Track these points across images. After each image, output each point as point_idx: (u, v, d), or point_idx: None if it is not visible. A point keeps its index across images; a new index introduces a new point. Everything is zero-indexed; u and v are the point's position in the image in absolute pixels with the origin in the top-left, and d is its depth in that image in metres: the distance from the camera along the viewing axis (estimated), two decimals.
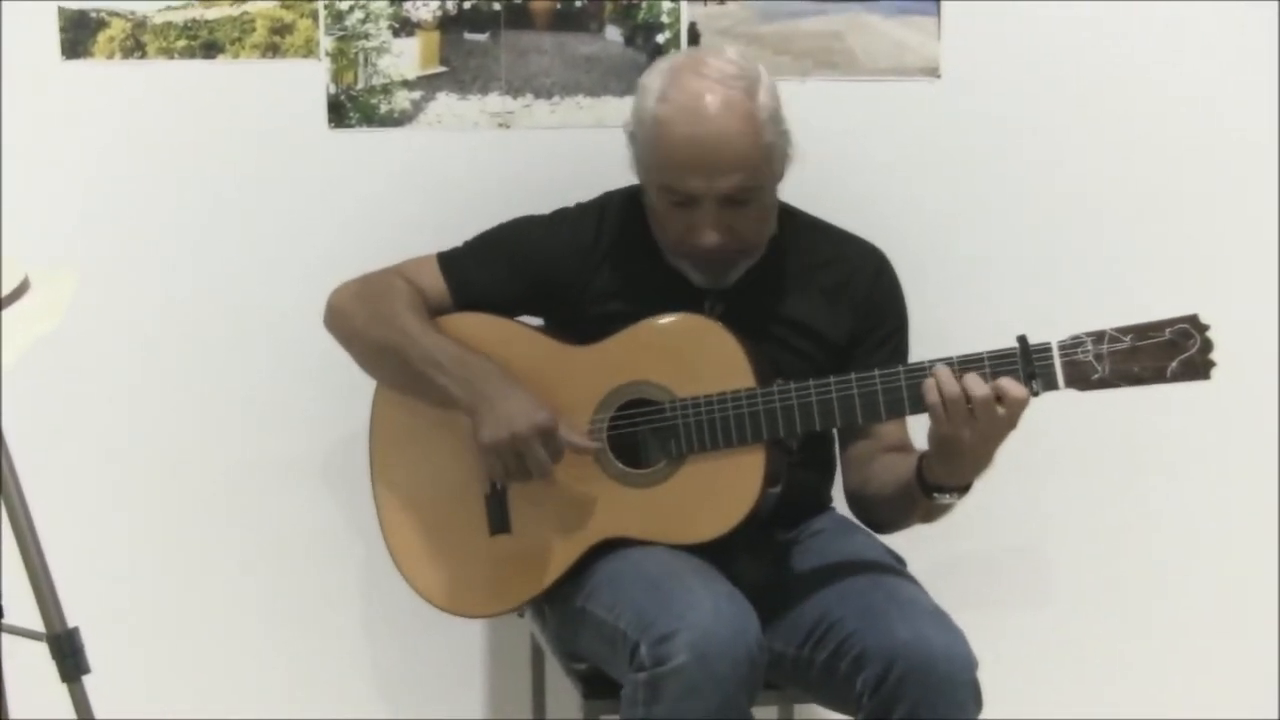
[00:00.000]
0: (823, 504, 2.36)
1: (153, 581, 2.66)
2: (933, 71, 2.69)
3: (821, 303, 2.26)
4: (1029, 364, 1.94)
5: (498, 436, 2.11)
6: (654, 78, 2.15)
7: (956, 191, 2.73)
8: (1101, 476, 2.80)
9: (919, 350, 2.29)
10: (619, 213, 2.29)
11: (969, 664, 1.99)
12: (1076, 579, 2.83)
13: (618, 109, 2.59)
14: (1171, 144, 2.74)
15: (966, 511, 2.10)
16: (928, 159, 2.72)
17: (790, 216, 2.29)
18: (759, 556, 2.20)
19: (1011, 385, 1.94)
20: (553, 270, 2.26)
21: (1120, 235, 2.75)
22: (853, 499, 2.26)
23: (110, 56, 2.53)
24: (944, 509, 2.08)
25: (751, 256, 2.21)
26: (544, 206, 2.34)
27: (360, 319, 2.25)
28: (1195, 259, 2.76)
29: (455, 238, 2.34)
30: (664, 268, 2.23)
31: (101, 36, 2.52)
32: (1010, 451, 2.01)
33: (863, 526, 2.28)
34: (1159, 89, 2.74)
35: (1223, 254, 2.77)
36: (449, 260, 2.30)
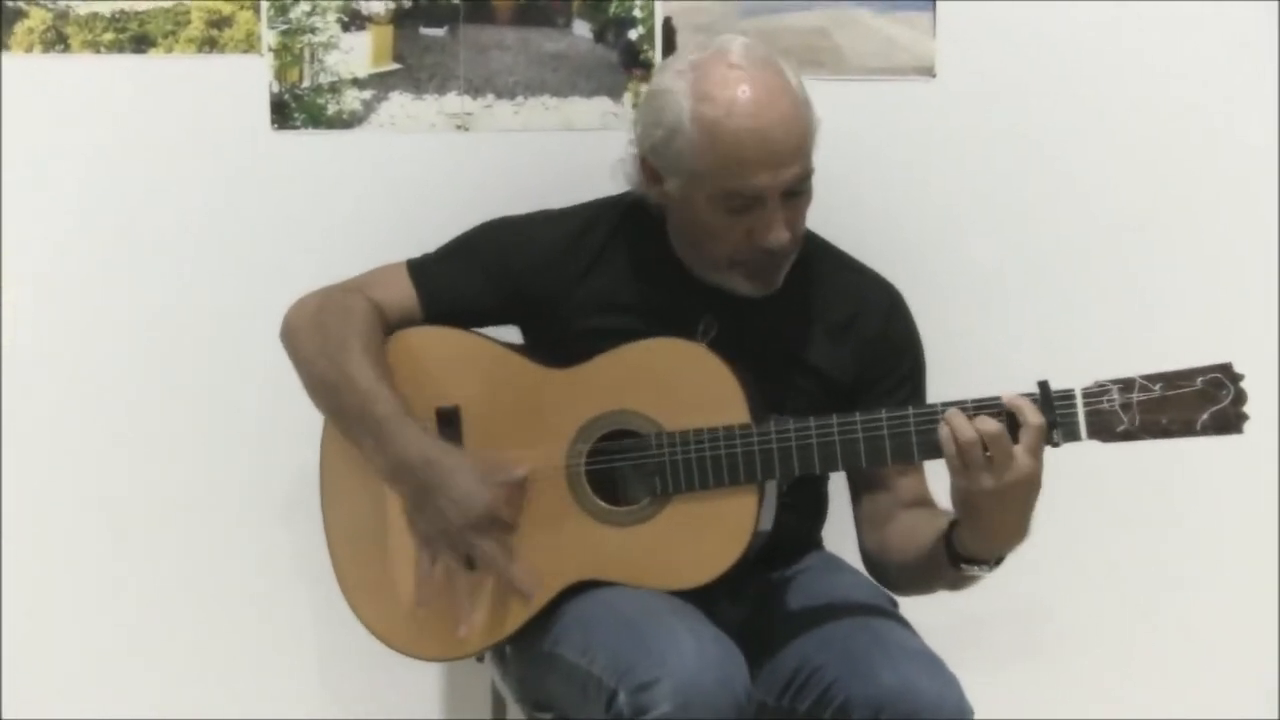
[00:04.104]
0: (812, 544, 2.33)
1: (102, 608, 2.62)
2: (927, 71, 2.66)
3: (825, 339, 2.21)
4: (1050, 412, 1.91)
5: (432, 535, 2.10)
6: (674, 80, 2.09)
7: (954, 200, 2.71)
8: (1099, 514, 2.78)
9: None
10: (614, 221, 2.24)
11: (961, 712, 1.95)
12: (1074, 624, 2.83)
13: (585, 110, 2.60)
14: (1178, 143, 2.73)
15: None
16: (922, 165, 2.69)
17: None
18: (739, 597, 2.15)
19: (1030, 411, 1.90)
20: (531, 276, 2.21)
21: (1130, 241, 2.75)
22: (869, 561, 2.22)
23: (29, 50, 2.48)
24: (971, 580, 2.03)
25: (796, 253, 2.16)
26: (506, 214, 2.30)
27: (310, 346, 2.19)
28: (1205, 260, 2.76)
29: (409, 249, 2.29)
30: (663, 282, 2.20)
31: (19, 28, 2.48)
32: None
33: (850, 565, 2.26)
34: (1166, 86, 2.72)
35: (1231, 254, 2.77)
36: (419, 268, 2.25)
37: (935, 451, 1.93)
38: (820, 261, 2.24)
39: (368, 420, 2.09)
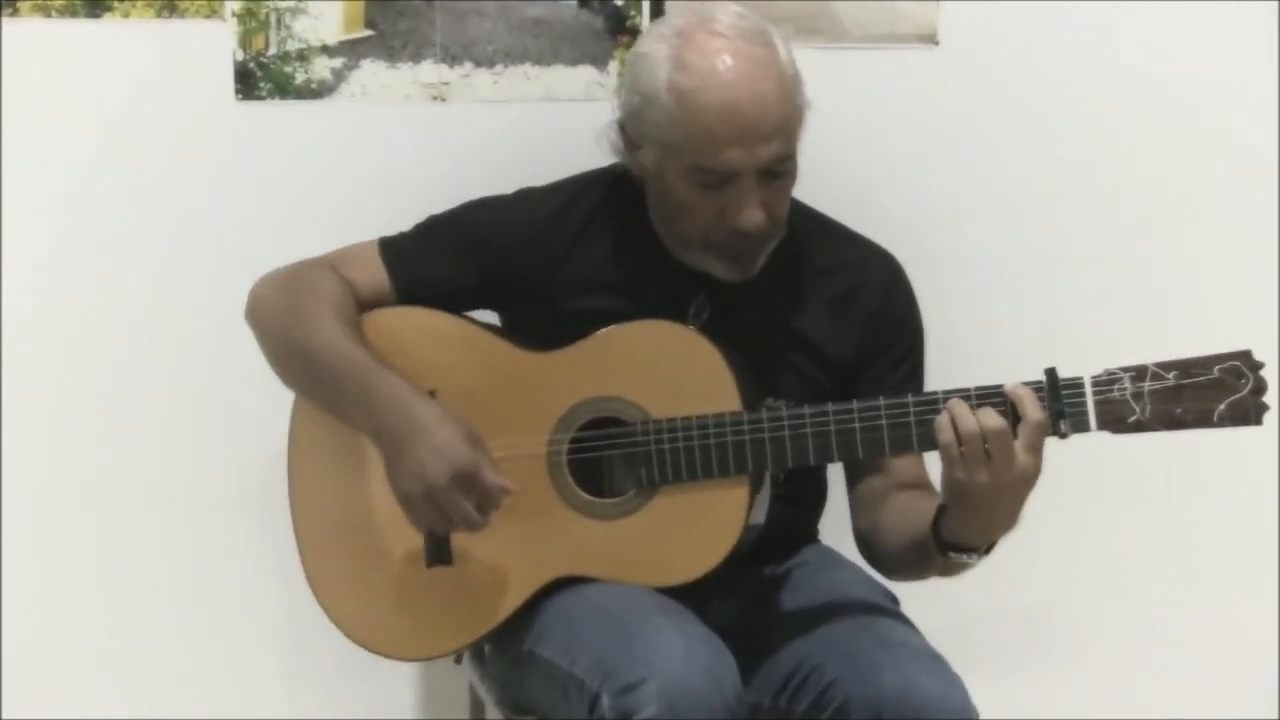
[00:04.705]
0: (808, 538, 2.31)
1: (101, 608, 2.62)
2: (930, 38, 2.64)
3: (825, 314, 2.18)
4: (1058, 401, 1.89)
5: (410, 490, 2.03)
6: (656, 44, 2.06)
7: (958, 173, 2.69)
8: (1100, 514, 2.78)
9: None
10: (599, 195, 2.21)
11: (966, 713, 1.93)
12: (1074, 624, 2.83)
13: (569, 80, 2.58)
14: (1186, 108, 2.72)
15: None
16: (925, 136, 2.68)
17: (793, 210, 2.18)
18: (732, 594, 2.12)
19: (1031, 405, 1.86)
20: (511, 254, 2.18)
21: (1139, 221, 2.74)
22: (861, 542, 2.20)
23: None
24: (963, 567, 2.01)
25: (776, 239, 2.12)
26: (485, 191, 2.27)
27: (275, 313, 2.17)
28: (1213, 240, 2.75)
29: (381, 227, 2.26)
30: (651, 260, 2.17)
31: None
32: None
33: (848, 560, 2.24)
34: (1172, 50, 2.71)
35: (1239, 233, 2.77)
36: (392, 247, 2.22)
37: (936, 443, 1.92)
38: (812, 234, 2.22)
39: (350, 378, 2.06)
